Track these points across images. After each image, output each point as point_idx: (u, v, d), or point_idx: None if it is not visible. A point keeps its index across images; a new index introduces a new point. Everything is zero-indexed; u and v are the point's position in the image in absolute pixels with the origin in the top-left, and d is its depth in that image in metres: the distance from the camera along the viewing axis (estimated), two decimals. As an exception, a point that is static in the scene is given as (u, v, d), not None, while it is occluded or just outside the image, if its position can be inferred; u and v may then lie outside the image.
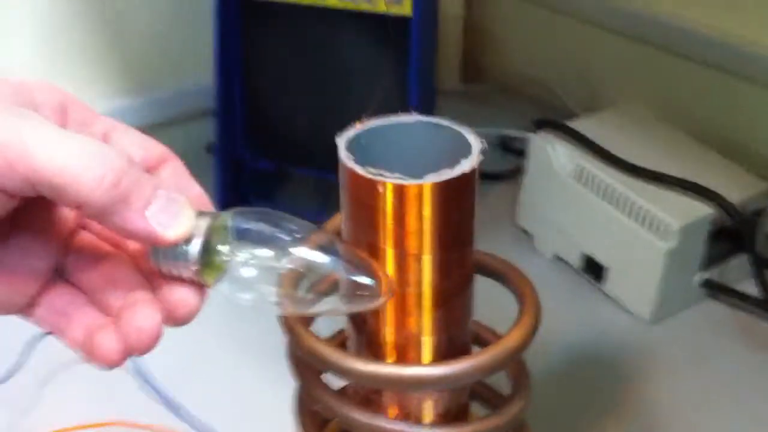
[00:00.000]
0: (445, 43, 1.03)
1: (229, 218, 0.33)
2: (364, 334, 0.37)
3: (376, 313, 0.37)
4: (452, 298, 0.37)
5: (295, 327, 0.37)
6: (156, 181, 0.32)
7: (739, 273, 0.68)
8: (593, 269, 0.69)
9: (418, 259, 0.35)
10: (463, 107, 0.98)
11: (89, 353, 0.34)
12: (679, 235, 0.63)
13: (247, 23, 0.73)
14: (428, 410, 0.38)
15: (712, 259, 0.67)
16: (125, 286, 0.35)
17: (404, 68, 0.70)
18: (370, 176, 0.34)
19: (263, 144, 0.77)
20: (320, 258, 0.33)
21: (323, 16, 0.70)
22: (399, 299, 0.36)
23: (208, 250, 0.32)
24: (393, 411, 0.39)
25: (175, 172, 0.35)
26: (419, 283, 0.36)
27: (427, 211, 0.34)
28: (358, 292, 0.34)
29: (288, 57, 0.74)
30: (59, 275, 0.36)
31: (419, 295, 0.36)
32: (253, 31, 0.73)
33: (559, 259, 0.72)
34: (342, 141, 0.35)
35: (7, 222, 0.33)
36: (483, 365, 0.36)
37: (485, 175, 0.80)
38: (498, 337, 0.38)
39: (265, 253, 0.33)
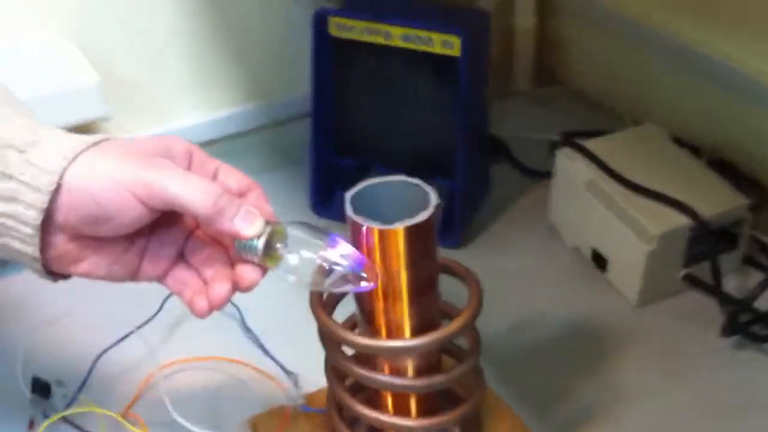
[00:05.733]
0: (519, 50, 1.17)
1: (287, 227, 0.53)
2: (365, 320, 0.57)
3: (373, 306, 0.56)
4: (422, 297, 0.56)
5: (320, 314, 0.57)
6: (239, 202, 0.53)
7: (726, 268, 0.84)
8: (599, 260, 0.86)
9: (398, 274, 0.54)
10: (532, 108, 1.14)
11: (191, 308, 0.56)
12: (658, 240, 0.79)
13: (337, 53, 0.91)
14: (410, 367, 0.58)
15: (699, 257, 0.83)
16: (217, 264, 0.56)
17: (455, 95, 0.88)
18: (363, 222, 0.53)
19: (348, 144, 0.96)
20: (338, 258, 0.53)
21: (393, 53, 0.88)
22: (386, 298, 0.55)
23: (269, 245, 0.53)
24: (385, 368, 0.58)
25: (257, 196, 0.56)
26: (399, 288, 0.55)
27: (400, 245, 0.53)
28: (359, 279, 0.54)
29: (366, 79, 0.93)
30: (181, 258, 0.57)
31: (399, 296, 0.55)
32: (340, 59, 0.92)
33: (577, 250, 0.90)
34: (347, 197, 0.54)
35: (151, 225, 0.55)
36: (440, 339, 0.56)
37: (539, 173, 0.98)
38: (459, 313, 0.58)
39: (305, 253, 0.53)
